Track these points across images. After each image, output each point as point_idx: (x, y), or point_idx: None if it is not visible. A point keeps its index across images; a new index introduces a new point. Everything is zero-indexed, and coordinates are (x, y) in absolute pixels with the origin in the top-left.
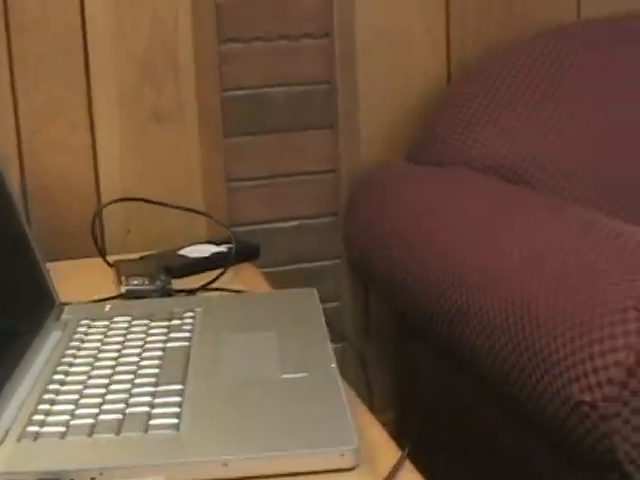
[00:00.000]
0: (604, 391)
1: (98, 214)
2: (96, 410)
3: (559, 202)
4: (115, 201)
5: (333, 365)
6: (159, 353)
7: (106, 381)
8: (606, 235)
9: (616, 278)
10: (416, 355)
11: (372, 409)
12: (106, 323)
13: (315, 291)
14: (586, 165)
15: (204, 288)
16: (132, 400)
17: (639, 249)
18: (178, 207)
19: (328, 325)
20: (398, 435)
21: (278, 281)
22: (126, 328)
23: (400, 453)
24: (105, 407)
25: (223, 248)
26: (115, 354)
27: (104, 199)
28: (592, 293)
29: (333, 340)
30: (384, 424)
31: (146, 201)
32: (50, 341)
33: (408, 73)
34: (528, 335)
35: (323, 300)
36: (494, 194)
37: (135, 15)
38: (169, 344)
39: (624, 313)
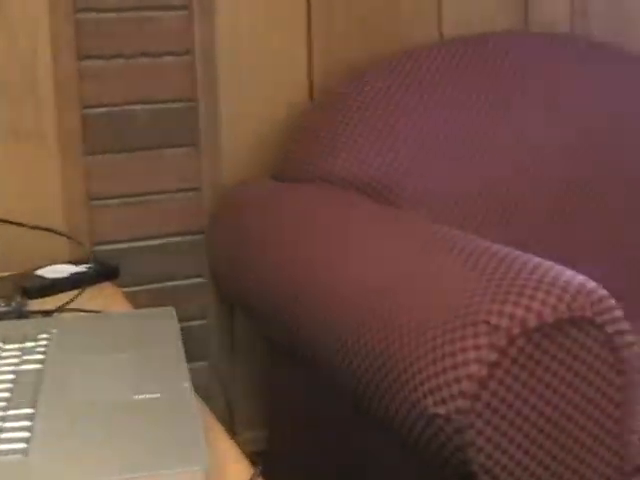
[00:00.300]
0: (457, 404)
1: None
2: None
3: (415, 218)
4: None
5: (186, 385)
6: (11, 376)
7: None
8: (459, 250)
9: (468, 292)
10: (282, 374)
11: (233, 428)
12: None
13: (173, 310)
14: (444, 180)
15: (61, 309)
16: None
17: (492, 263)
18: (33, 227)
19: (191, 344)
20: (267, 454)
21: (143, 300)
22: None
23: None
24: None
25: (82, 268)
26: None
27: None
28: (444, 307)
29: (196, 360)
30: (246, 444)
31: (4, 221)
32: None
33: (271, 91)
34: (384, 350)
35: (189, 319)
36: (350, 211)
37: None
38: (22, 367)
39: (475, 327)
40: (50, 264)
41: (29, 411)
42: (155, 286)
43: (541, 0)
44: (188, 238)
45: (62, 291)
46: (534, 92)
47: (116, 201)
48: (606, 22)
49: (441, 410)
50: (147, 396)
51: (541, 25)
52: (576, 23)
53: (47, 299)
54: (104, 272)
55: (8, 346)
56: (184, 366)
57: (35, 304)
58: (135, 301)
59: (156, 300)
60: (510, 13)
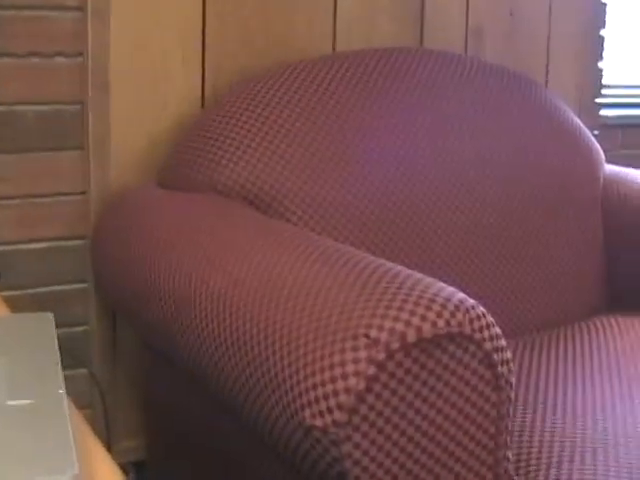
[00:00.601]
0: (334, 416)
1: None
2: None
3: (301, 231)
4: None
5: (61, 391)
6: None
7: None
8: (343, 263)
9: (349, 305)
10: (161, 383)
11: (110, 437)
12: None
13: (52, 315)
14: (332, 195)
15: None
16: None
17: (373, 278)
18: None
19: (72, 351)
20: (144, 465)
21: (23, 305)
22: None
23: None
24: None
25: None
26: None
27: None
28: (325, 320)
29: (78, 366)
30: (123, 453)
31: None
32: None
33: (163, 98)
34: (264, 360)
35: (70, 324)
36: (236, 222)
37: None
38: None
39: (355, 340)
40: None
41: None
42: (37, 290)
43: (435, 21)
44: (72, 243)
45: None
46: (423, 107)
47: (1, 202)
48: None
49: (318, 422)
50: (20, 402)
51: (436, 45)
52: (470, 44)
53: None
54: None
55: None
56: (59, 372)
57: None
58: (16, 305)
59: (38, 305)
60: (408, 33)
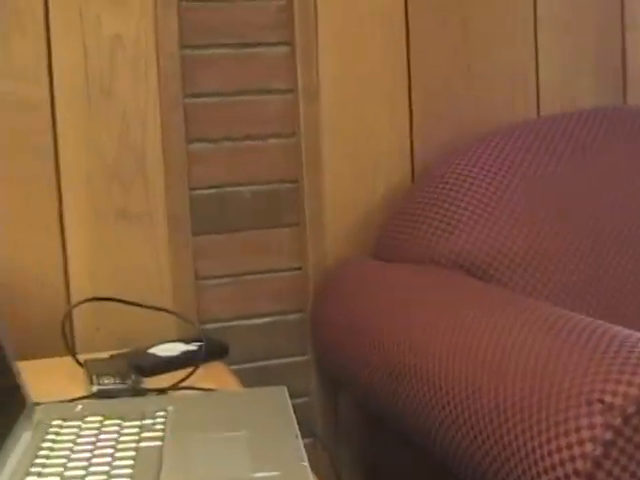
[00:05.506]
0: None
1: (68, 314)
2: None
3: (524, 298)
4: (85, 301)
5: (305, 463)
6: (132, 453)
7: None
8: (570, 329)
9: (581, 371)
10: (387, 452)
11: None
12: (78, 423)
13: (285, 389)
14: (552, 262)
15: (175, 387)
16: None
17: (603, 342)
18: (148, 307)
19: (298, 422)
20: None
21: (247, 378)
22: (98, 428)
23: None
24: None
25: (192, 346)
26: (88, 454)
27: (74, 297)
28: (557, 386)
29: (302, 436)
30: None
31: (116, 300)
32: (22, 442)
33: (373, 172)
34: (496, 429)
35: (292, 396)
36: (460, 290)
37: (105, 116)
38: (141, 444)
39: (589, 406)
40: (159, 342)
41: None
42: (259, 364)
43: (637, 76)
44: (291, 317)
45: (175, 369)
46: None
47: (221, 280)
48: None
49: None
50: (266, 474)
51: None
52: None
53: (160, 377)
54: (214, 350)
55: (127, 423)
56: (300, 444)
57: (149, 382)
58: (243, 379)
59: (260, 378)
60: (609, 90)
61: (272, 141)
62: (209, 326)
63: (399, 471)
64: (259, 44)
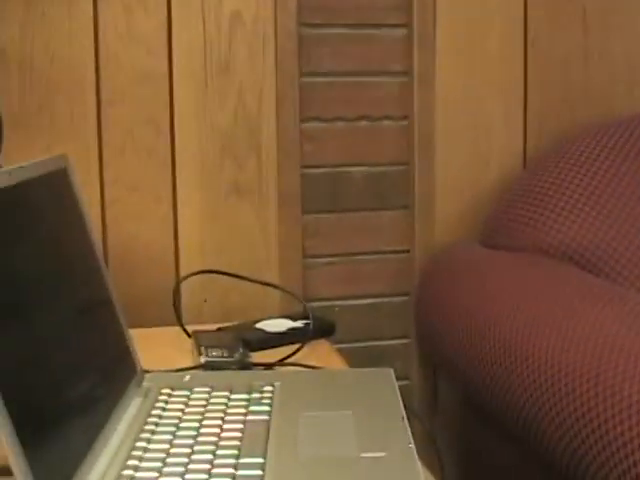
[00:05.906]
0: None
1: (178, 286)
2: (179, 479)
3: (624, 291)
4: (194, 273)
5: (411, 445)
6: (239, 426)
7: (188, 450)
8: None
9: None
10: (482, 436)
11: None
12: (186, 393)
13: (392, 371)
14: None
15: (282, 363)
16: (214, 471)
17: None
18: (255, 281)
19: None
20: None
21: (349, 358)
22: (206, 399)
23: None
24: (188, 477)
25: (299, 323)
26: (196, 424)
27: (183, 269)
28: None
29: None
30: None
31: (225, 274)
32: (132, 407)
33: (485, 157)
34: (602, 423)
35: None
36: (569, 281)
37: (221, 92)
38: (249, 417)
39: None
40: (267, 317)
41: (260, 461)
42: (361, 344)
43: None
44: (396, 299)
45: (281, 345)
46: None
47: (328, 259)
48: None
49: None
50: (373, 454)
51: None
52: None
53: (267, 352)
54: (321, 328)
55: (234, 396)
56: (406, 426)
57: (255, 356)
58: (348, 359)
59: (362, 358)
60: None
61: (385, 123)
62: (313, 304)
63: (495, 459)
64: (377, 25)
